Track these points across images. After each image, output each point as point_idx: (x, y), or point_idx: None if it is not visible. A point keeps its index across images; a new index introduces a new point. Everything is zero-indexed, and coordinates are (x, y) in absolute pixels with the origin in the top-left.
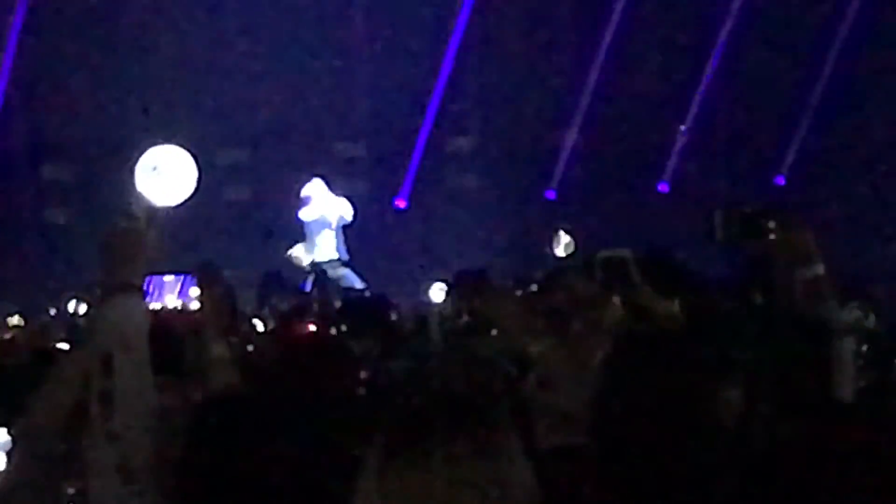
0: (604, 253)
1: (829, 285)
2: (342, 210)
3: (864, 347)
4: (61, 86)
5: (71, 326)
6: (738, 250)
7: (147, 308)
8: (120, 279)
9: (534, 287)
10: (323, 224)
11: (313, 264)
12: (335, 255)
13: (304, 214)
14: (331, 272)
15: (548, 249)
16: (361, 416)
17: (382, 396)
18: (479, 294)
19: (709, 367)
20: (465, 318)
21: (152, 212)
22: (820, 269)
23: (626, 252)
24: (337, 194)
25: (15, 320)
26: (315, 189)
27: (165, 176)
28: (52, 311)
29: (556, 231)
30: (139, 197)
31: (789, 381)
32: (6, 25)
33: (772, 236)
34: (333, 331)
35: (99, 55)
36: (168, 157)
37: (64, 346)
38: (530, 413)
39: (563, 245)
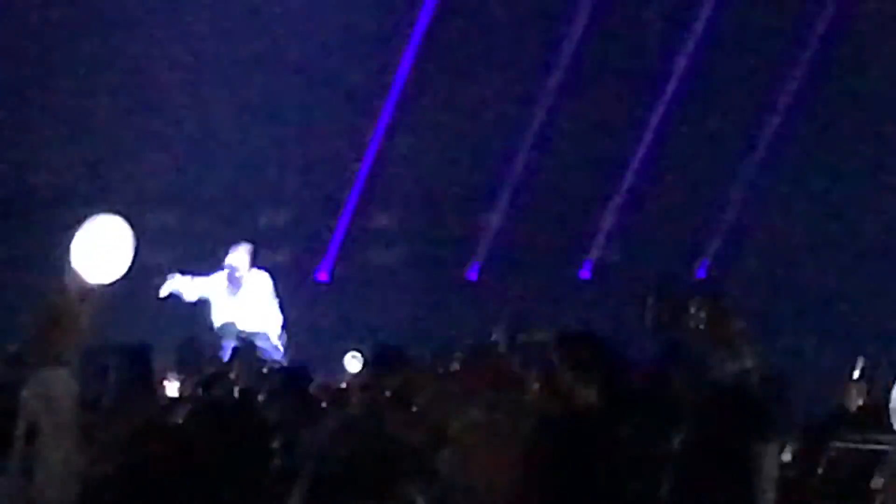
0: (524, 335)
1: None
2: (259, 283)
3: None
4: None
5: None
6: (663, 336)
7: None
8: (50, 353)
9: (455, 365)
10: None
11: (238, 333)
12: (259, 327)
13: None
14: (256, 341)
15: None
16: (273, 485)
17: (295, 465)
18: (398, 370)
19: (623, 454)
20: (383, 392)
21: (86, 288)
22: (748, 360)
23: (546, 334)
24: (259, 264)
25: None
26: (239, 259)
27: (101, 252)
28: None
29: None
30: (72, 272)
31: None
32: None
33: (701, 325)
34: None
35: (35, 111)
36: (104, 231)
37: None
38: (444, 490)
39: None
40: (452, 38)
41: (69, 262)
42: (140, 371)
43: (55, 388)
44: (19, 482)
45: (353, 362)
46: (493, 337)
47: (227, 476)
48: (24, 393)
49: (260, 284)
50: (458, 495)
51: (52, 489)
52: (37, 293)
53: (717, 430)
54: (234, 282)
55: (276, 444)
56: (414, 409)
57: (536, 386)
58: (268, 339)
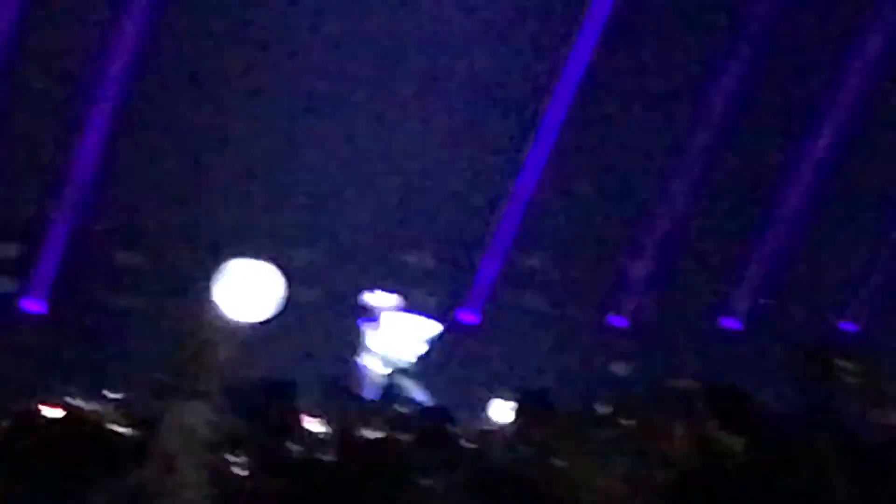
0: (672, 383)
1: None
2: (419, 331)
3: None
4: (144, 173)
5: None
6: (812, 389)
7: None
8: (191, 387)
9: (602, 411)
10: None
11: (388, 374)
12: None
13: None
14: (401, 382)
15: None
16: None
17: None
18: (544, 420)
19: None
20: (526, 446)
21: (231, 326)
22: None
23: (694, 384)
24: (405, 306)
25: (76, 402)
26: (387, 308)
27: (249, 293)
28: (111, 396)
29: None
30: (217, 310)
31: None
32: (95, 109)
33: (852, 379)
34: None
35: (184, 147)
36: (252, 273)
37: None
38: None
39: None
40: (605, 87)
41: (214, 301)
42: (284, 407)
43: (192, 419)
44: None
45: (501, 408)
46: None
47: None
48: (163, 423)
49: (408, 329)
50: None
51: None
52: (182, 329)
53: (864, 490)
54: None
55: (421, 484)
56: (558, 463)
57: (682, 435)
58: (413, 380)
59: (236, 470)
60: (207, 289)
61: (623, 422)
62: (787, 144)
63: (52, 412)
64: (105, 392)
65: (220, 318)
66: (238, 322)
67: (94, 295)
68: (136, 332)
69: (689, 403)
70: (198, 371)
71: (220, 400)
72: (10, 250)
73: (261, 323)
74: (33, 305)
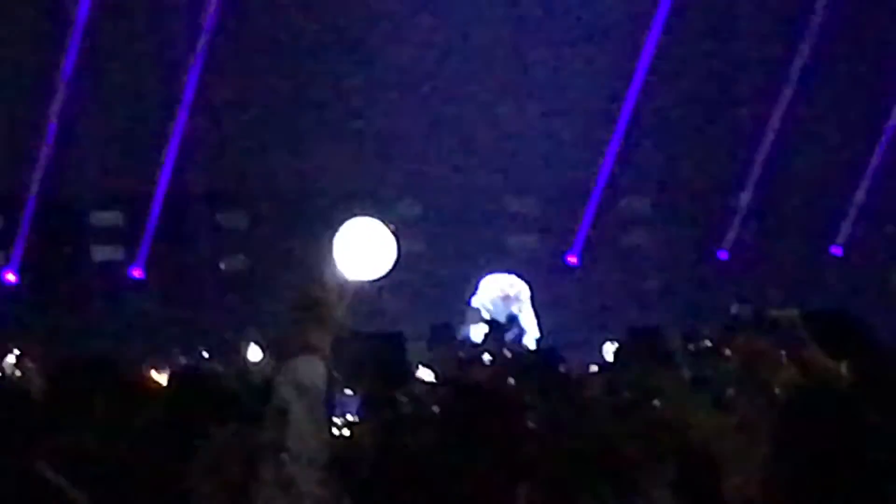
0: (773, 313)
1: None
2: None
3: None
4: (240, 135)
5: (241, 373)
6: None
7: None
8: (305, 343)
9: (706, 344)
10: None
11: (487, 318)
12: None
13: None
14: (509, 326)
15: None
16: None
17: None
18: (646, 363)
19: (875, 433)
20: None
21: (346, 284)
22: None
23: (794, 311)
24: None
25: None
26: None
27: (364, 251)
28: (206, 354)
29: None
30: (334, 267)
31: None
32: (189, 71)
33: None
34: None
35: (281, 106)
36: (369, 232)
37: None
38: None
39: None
40: (698, 24)
41: (331, 259)
42: (395, 357)
43: (306, 375)
44: (272, 461)
45: (608, 348)
46: (734, 311)
47: (480, 457)
48: (277, 379)
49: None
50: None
51: (300, 469)
52: (298, 286)
53: None
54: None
55: (529, 425)
56: (661, 402)
57: (785, 364)
58: (517, 322)
59: (348, 425)
60: (326, 250)
61: (727, 353)
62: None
63: (166, 374)
64: (210, 353)
65: (335, 276)
66: (351, 280)
67: (194, 258)
68: (239, 294)
69: (791, 331)
70: (313, 329)
71: (333, 356)
72: (116, 219)
73: (373, 280)
74: (136, 272)
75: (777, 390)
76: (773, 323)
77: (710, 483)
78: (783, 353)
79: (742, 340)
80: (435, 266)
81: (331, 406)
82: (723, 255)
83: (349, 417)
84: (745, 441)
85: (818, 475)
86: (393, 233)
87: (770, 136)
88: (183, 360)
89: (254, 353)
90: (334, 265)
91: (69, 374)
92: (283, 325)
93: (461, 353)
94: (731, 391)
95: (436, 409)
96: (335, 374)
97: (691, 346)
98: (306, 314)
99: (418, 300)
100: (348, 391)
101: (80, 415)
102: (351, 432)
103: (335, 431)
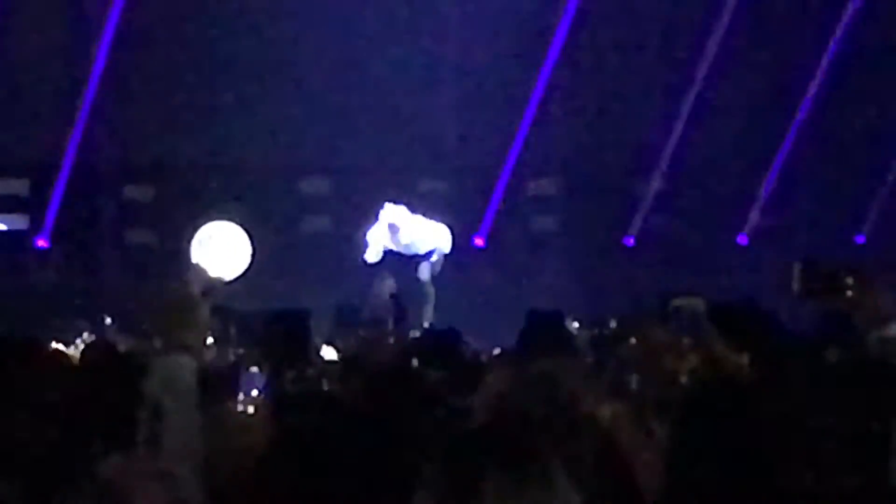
0: (677, 301)
1: None
2: (439, 238)
3: None
4: (146, 104)
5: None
6: (814, 305)
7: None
8: (173, 341)
9: (607, 332)
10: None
11: (394, 295)
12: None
13: (395, 243)
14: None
15: None
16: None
17: (445, 429)
18: (550, 347)
19: (777, 424)
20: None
21: (208, 282)
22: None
23: (698, 301)
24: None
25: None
26: (398, 215)
27: (220, 251)
28: (108, 320)
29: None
30: (196, 267)
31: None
32: (97, 37)
33: (850, 293)
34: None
35: (189, 75)
36: (223, 233)
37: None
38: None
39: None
40: (610, 8)
41: (192, 259)
42: (299, 336)
43: (175, 372)
44: (145, 458)
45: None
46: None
47: (386, 441)
48: (148, 377)
49: (438, 244)
50: (602, 474)
51: (176, 463)
52: (164, 287)
53: (860, 404)
54: (395, 237)
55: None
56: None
57: (688, 353)
58: (424, 304)
59: (243, 408)
60: (188, 251)
61: (631, 341)
62: (796, 62)
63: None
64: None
65: (199, 276)
66: (214, 280)
67: (99, 230)
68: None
69: (694, 321)
70: (180, 327)
71: (204, 352)
72: (22, 188)
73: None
74: (42, 242)
75: (678, 379)
76: (676, 311)
77: (605, 471)
78: (686, 342)
79: (645, 328)
80: (342, 246)
81: (235, 384)
82: (629, 241)
83: (253, 394)
84: (641, 430)
85: (714, 468)
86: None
87: (680, 123)
88: (87, 334)
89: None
90: (198, 265)
91: None
92: (153, 325)
93: (363, 333)
94: (630, 378)
95: (329, 386)
96: (240, 351)
97: (594, 332)
98: (174, 313)
99: (326, 280)
100: (254, 368)
101: None
102: (255, 409)
103: (239, 408)
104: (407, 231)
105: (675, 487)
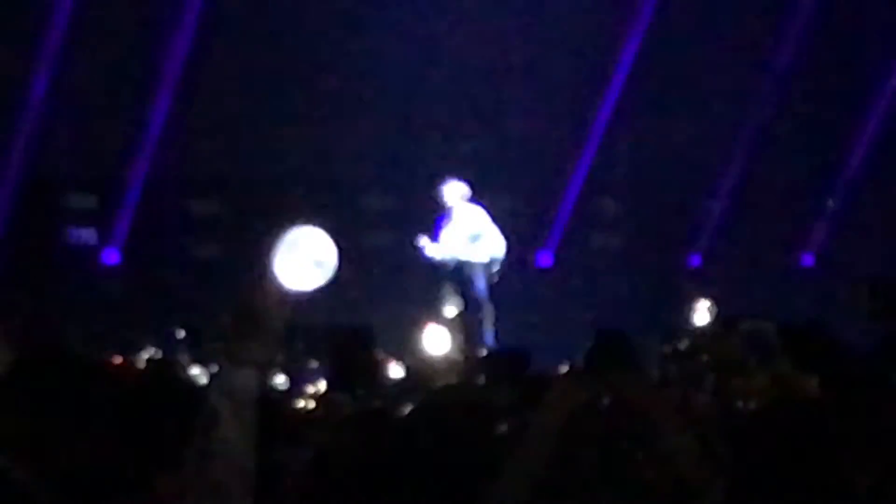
0: (747, 323)
1: None
2: (499, 246)
3: None
4: (214, 120)
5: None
6: (881, 325)
7: (257, 382)
8: (241, 355)
9: (678, 349)
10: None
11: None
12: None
13: (463, 234)
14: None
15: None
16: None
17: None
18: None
19: (844, 446)
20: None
21: (284, 295)
22: None
23: (768, 324)
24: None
25: (149, 353)
26: (457, 194)
27: (303, 260)
28: (181, 334)
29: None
30: (273, 277)
31: None
32: (167, 52)
33: None
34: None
35: (258, 90)
36: (309, 241)
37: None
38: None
39: (701, 311)
40: (677, 29)
41: (270, 268)
42: (363, 353)
43: (237, 383)
44: (199, 471)
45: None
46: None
47: (450, 461)
48: (209, 388)
49: (491, 252)
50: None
51: (230, 477)
52: (238, 294)
53: None
54: (447, 215)
55: (501, 430)
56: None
57: (757, 374)
58: (489, 322)
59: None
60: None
61: (702, 357)
62: (858, 85)
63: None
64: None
65: (275, 286)
66: (292, 291)
67: (167, 244)
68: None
69: (763, 342)
70: (250, 340)
71: (270, 366)
72: (91, 203)
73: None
74: (111, 256)
75: (747, 400)
76: (746, 332)
77: (665, 484)
78: (753, 362)
79: (717, 347)
80: (403, 261)
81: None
82: (695, 260)
83: (312, 389)
84: (707, 449)
85: (780, 490)
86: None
87: (745, 142)
88: (152, 348)
89: None
90: (272, 273)
91: (33, 361)
92: (223, 334)
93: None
94: (696, 396)
95: (394, 404)
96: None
97: (664, 349)
98: (242, 326)
99: (385, 293)
100: (313, 363)
101: (37, 400)
102: (316, 404)
103: (301, 404)
104: (478, 222)
105: None
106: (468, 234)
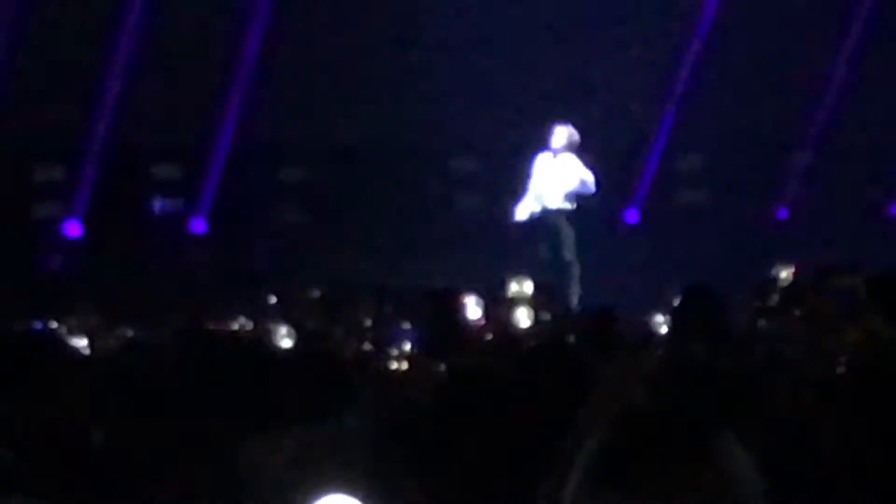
0: (836, 278)
1: None
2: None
3: None
4: (299, 88)
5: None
6: None
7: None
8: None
9: (770, 303)
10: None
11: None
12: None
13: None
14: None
15: None
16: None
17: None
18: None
19: None
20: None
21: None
22: None
23: (858, 279)
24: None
25: (241, 321)
26: (560, 136)
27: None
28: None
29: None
30: None
31: None
32: (248, 19)
33: None
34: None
35: (343, 57)
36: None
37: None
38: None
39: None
40: None
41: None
42: (455, 314)
43: (320, 359)
44: (289, 439)
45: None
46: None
47: (538, 417)
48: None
49: (572, 167)
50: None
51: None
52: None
53: None
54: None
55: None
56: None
57: (849, 330)
58: (571, 280)
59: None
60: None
61: (794, 313)
62: None
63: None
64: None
65: None
66: None
67: (252, 211)
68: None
69: (853, 297)
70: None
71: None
72: (176, 172)
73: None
74: (198, 225)
75: (838, 355)
76: (835, 287)
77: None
78: (844, 317)
79: (810, 302)
80: (492, 225)
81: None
82: (782, 213)
83: (405, 349)
84: (799, 405)
85: (882, 445)
86: None
87: (832, 95)
88: (242, 317)
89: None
90: None
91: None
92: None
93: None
94: (786, 351)
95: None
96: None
97: (754, 304)
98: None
99: (474, 256)
100: (405, 325)
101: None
102: (409, 365)
103: (394, 365)
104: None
105: (834, 468)
106: (567, 185)
